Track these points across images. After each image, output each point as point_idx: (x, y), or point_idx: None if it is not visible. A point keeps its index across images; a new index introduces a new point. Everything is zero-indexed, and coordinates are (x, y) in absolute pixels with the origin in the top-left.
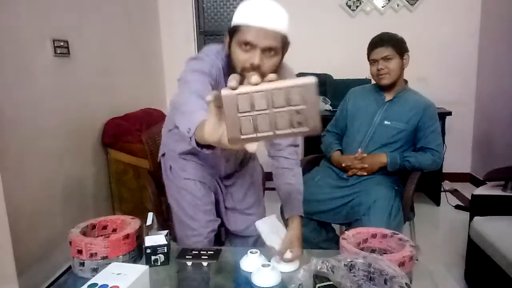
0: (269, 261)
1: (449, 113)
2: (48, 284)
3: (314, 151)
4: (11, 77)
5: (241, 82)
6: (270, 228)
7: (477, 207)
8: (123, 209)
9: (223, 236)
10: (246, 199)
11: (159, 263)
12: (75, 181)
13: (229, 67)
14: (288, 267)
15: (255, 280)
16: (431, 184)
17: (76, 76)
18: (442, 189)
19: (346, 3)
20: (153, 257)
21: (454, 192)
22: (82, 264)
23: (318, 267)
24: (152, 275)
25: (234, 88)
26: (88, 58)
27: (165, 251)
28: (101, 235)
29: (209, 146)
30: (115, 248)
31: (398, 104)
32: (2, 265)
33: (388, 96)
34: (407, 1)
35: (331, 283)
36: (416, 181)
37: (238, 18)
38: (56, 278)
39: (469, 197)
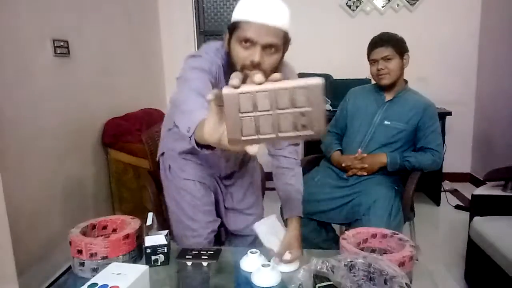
0: (269, 261)
1: (449, 113)
2: (48, 284)
3: (314, 151)
4: (11, 77)
5: (243, 81)
6: (269, 229)
7: (477, 207)
8: (123, 209)
9: (223, 236)
10: (245, 199)
11: (159, 263)
12: (75, 181)
13: (229, 65)
14: (288, 267)
15: (255, 280)
16: (431, 184)
17: (76, 76)
18: (442, 189)
19: (346, 3)
20: (153, 257)
21: (454, 192)
22: (82, 264)
23: (318, 267)
24: (152, 275)
25: (236, 87)
26: (88, 58)
27: (165, 251)
28: (101, 235)
29: (209, 146)
30: (115, 248)
31: (398, 104)
32: (2, 265)
33: (388, 96)
34: (407, 1)
35: (331, 283)
36: (416, 181)
37: (238, 14)
38: (56, 278)
39: (469, 197)
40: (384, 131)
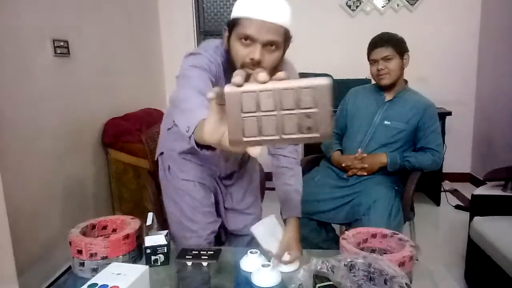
0: (269, 261)
1: (449, 113)
2: (48, 284)
3: (314, 151)
4: (11, 77)
5: (246, 79)
6: (267, 231)
7: (477, 207)
8: (123, 209)
9: (223, 236)
10: (245, 199)
11: (159, 263)
12: (75, 181)
13: (229, 63)
14: (288, 267)
15: (255, 280)
16: (431, 184)
17: (76, 76)
18: (442, 189)
19: (346, 3)
20: (153, 257)
21: (454, 192)
22: (82, 264)
23: (318, 267)
24: (152, 275)
25: (239, 85)
26: (88, 58)
27: (165, 251)
28: (101, 235)
29: (209, 147)
30: (115, 248)
31: (398, 104)
32: (2, 265)
33: (388, 96)
34: (407, 1)
35: (331, 283)
36: (416, 181)
37: (238, 10)
38: (56, 278)
39: (469, 197)
40: (384, 131)
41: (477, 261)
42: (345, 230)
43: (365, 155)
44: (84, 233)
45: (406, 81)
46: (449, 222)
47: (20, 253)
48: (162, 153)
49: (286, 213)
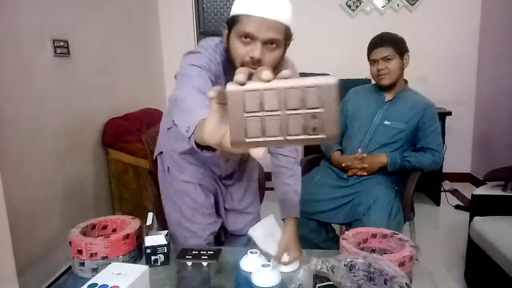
0: (269, 261)
1: (449, 113)
2: (48, 284)
3: (314, 151)
4: (11, 77)
5: (248, 78)
6: (265, 232)
7: (477, 207)
8: (123, 209)
9: (222, 237)
10: (245, 199)
11: (159, 263)
12: (75, 181)
13: (229, 62)
14: (288, 267)
15: (255, 280)
16: (431, 184)
17: (76, 76)
18: (442, 189)
19: (346, 3)
20: (153, 257)
21: (454, 192)
22: (82, 264)
23: (318, 267)
24: (152, 275)
25: (241, 83)
26: (88, 58)
27: (165, 251)
28: (101, 235)
29: (210, 148)
30: (115, 248)
31: (398, 104)
32: (2, 265)
33: (388, 96)
34: (407, 1)
35: (331, 283)
36: (416, 181)
37: (238, 7)
38: (56, 278)
39: (469, 197)
40: (384, 131)
41: (477, 261)
42: (345, 230)
43: (365, 155)
44: (84, 233)
45: (406, 81)
46: (449, 222)
47: (20, 253)
48: (161, 152)
49: (284, 213)
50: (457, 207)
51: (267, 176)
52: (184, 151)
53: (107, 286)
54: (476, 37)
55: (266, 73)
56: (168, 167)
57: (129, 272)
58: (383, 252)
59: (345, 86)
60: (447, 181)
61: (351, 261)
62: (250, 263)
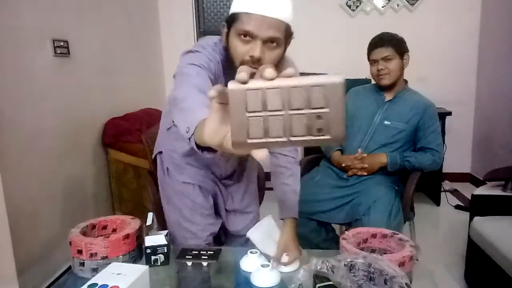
0: (269, 261)
1: (449, 113)
2: (48, 284)
3: (314, 151)
4: (11, 77)
5: (250, 77)
6: (264, 233)
7: (477, 207)
8: (123, 209)
9: (222, 237)
10: (245, 199)
11: (159, 263)
12: (75, 181)
13: (228, 61)
14: (288, 267)
15: (254, 280)
16: (431, 184)
17: (76, 76)
18: (442, 189)
19: (346, 3)
20: (153, 257)
21: (454, 192)
22: (82, 264)
23: (318, 267)
24: (152, 275)
25: (243, 82)
26: (88, 58)
27: (165, 251)
28: (101, 235)
29: (210, 149)
30: (115, 248)
31: (398, 104)
32: (2, 265)
33: (388, 96)
34: (407, 1)
35: (331, 283)
36: (416, 181)
37: (237, 5)
38: (56, 278)
39: (469, 197)
40: (384, 131)
41: (477, 261)
42: (345, 230)
43: (365, 155)
44: (84, 233)
45: (406, 81)
46: (449, 222)
47: (20, 253)
48: (161, 152)
49: (283, 213)
50: (457, 207)
51: (267, 176)
52: (184, 152)
53: (107, 286)
54: (476, 37)
55: (269, 71)
56: (168, 168)
57: (129, 272)
58: (383, 252)
59: (345, 86)
60: (447, 181)
61: (351, 261)
62: (250, 263)
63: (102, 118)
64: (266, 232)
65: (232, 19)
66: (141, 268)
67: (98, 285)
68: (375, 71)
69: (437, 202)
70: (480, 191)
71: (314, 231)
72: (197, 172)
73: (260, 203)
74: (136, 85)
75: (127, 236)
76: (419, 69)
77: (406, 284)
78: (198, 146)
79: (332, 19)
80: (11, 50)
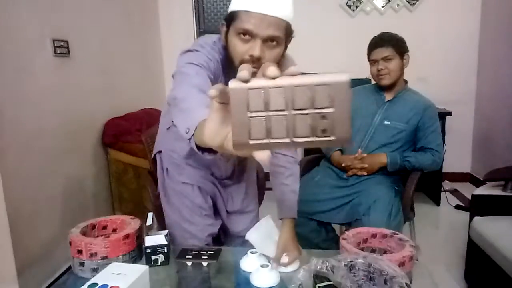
0: (269, 262)
1: (449, 113)
2: (48, 284)
3: (314, 151)
4: (11, 77)
5: (253, 75)
6: (263, 234)
7: (477, 207)
8: (123, 209)
9: (222, 238)
10: (246, 199)
11: (159, 263)
12: (75, 181)
13: (227, 60)
14: (288, 267)
15: (254, 280)
16: (431, 184)
17: (76, 76)
18: (442, 189)
19: (346, 3)
20: (153, 257)
21: (454, 192)
22: (82, 264)
23: (318, 267)
24: (152, 275)
25: (245, 80)
26: (88, 58)
27: (165, 251)
28: (101, 235)
29: (211, 150)
30: (115, 248)
31: (398, 104)
32: (2, 265)
33: (388, 96)
34: (407, 1)
35: (331, 283)
36: (416, 181)
37: (237, 3)
38: (56, 278)
39: (469, 197)
40: (384, 131)
41: (477, 261)
42: (345, 230)
43: (365, 155)
44: (84, 233)
45: (406, 81)
46: (449, 222)
47: (20, 253)
48: (160, 151)
49: (281, 214)
50: (457, 207)
51: (267, 176)
52: (184, 152)
53: (107, 286)
54: (476, 37)
55: (272, 70)
56: (167, 168)
57: (129, 272)
58: (383, 252)
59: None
60: (447, 181)
61: (351, 261)
62: (250, 263)
63: (102, 118)
64: (265, 233)
65: (231, 18)
66: (141, 268)
67: (98, 285)
68: (375, 71)
69: (437, 202)
70: (480, 191)
71: (314, 231)
72: (196, 173)
73: (260, 203)
74: (136, 85)
75: (127, 236)
76: (419, 69)
77: (406, 284)
78: (198, 147)
79: (332, 19)
80: (11, 50)
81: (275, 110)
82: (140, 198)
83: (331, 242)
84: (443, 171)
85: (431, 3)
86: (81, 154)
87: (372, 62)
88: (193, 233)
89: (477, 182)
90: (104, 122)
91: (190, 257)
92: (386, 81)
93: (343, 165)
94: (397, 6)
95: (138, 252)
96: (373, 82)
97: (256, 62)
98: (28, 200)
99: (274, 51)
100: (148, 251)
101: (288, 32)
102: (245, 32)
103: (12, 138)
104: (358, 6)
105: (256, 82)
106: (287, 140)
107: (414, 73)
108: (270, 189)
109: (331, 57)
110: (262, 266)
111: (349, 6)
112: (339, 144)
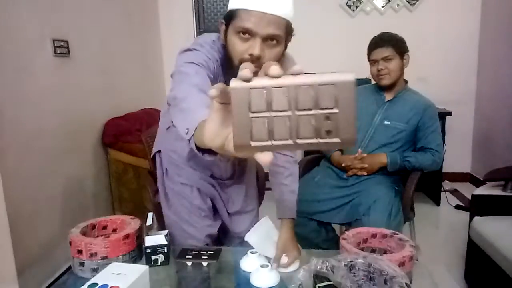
0: (269, 262)
1: (449, 113)
2: (48, 284)
3: (314, 151)
4: (11, 77)
5: (254, 75)
6: (262, 235)
7: (477, 207)
8: (123, 209)
9: (222, 238)
10: (247, 199)
11: (159, 263)
12: (75, 181)
13: (227, 60)
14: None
15: (254, 280)
16: (431, 184)
17: (76, 76)
18: (442, 189)
19: (346, 3)
20: (153, 257)
21: (454, 192)
22: (82, 264)
23: (318, 267)
24: (152, 275)
25: (247, 80)
26: (88, 58)
27: (165, 251)
28: (101, 235)
29: (211, 151)
30: (115, 248)
31: (398, 104)
32: (2, 265)
33: (388, 96)
34: (407, 1)
35: (331, 283)
36: (416, 181)
37: (236, 1)
38: (56, 278)
39: (469, 197)
40: (384, 131)
41: (477, 261)
42: (345, 230)
43: (365, 155)
44: (84, 233)
45: (406, 81)
46: (449, 222)
47: (20, 253)
48: (159, 151)
49: (280, 214)
50: (457, 207)
51: (267, 176)
52: (184, 152)
53: (107, 286)
54: (476, 37)
55: (275, 68)
56: (166, 169)
57: (129, 272)
58: (383, 252)
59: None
60: (447, 181)
61: (351, 261)
62: (250, 263)
63: (102, 118)
64: (264, 234)
65: (231, 16)
66: (141, 268)
67: (98, 285)
68: (375, 71)
69: (437, 202)
70: (480, 191)
71: (314, 231)
72: (195, 174)
73: (260, 203)
74: (136, 85)
75: (127, 236)
76: (419, 69)
77: (406, 284)
78: (198, 148)
79: (332, 19)
80: (11, 50)
81: (278, 110)
82: (140, 198)
83: (331, 242)
84: (443, 171)
85: (431, 3)
86: (81, 154)
87: (372, 62)
88: (191, 234)
89: (477, 182)
90: (104, 122)
91: (190, 257)
92: (386, 81)
93: (343, 165)
94: (397, 6)
95: (138, 252)
96: (373, 82)
97: (256, 61)
98: (28, 200)
99: (274, 50)
100: (148, 251)
101: (288, 31)
102: (245, 31)
103: (12, 138)
104: (358, 6)
105: (258, 82)
106: (290, 141)
107: (414, 73)
108: (270, 189)
109: (331, 57)
110: (262, 266)
111: (349, 6)
112: (344, 146)
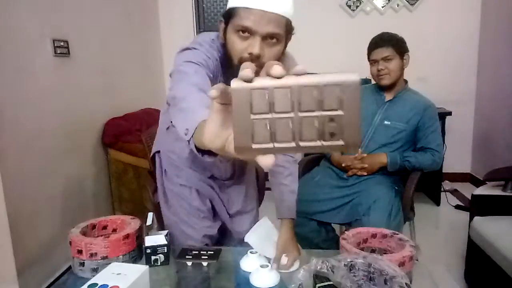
0: (269, 262)
1: (449, 113)
2: (48, 284)
3: None
4: (11, 77)
5: (256, 74)
6: (262, 235)
7: (477, 207)
8: (123, 209)
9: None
10: (247, 199)
11: (159, 263)
12: (75, 181)
13: (226, 58)
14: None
15: (253, 280)
16: (431, 184)
17: (76, 76)
18: (442, 189)
19: (346, 3)
20: (153, 257)
21: (454, 192)
22: (82, 264)
23: (318, 267)
24: (152, 275)
25: (248, 80)
26: (88, 58)
27: (165, 251)
28: (101, 235)
29: (211, 152)
30: (115, 248)
31: (398, 104)
32: (2, 265)
33: (388, 96)
34: (407, 1)
35: (331, 283)
36: (416, 181)
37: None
38: (56, 278)
39: (469, 197)
40: (384, 131)
41: (477, 261)
42: (345, 230)
43: (365, 155)
44: (84, 233)
45: (406, 81)
46: (449, 222)
47: (20, 253)
48: (159, 151)
49: (280, 214)
50: (457, 207)
51: (267, 176)
52: (184, 153)
53: (107, 286)
54: (476, 37)
55: (277, 68)
56: (165, 170)
57: (129, 272)
58: (383, 252)
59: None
60: (447, 181)
61: (351, 261)
62: (250, 263)
63: (102, 118)
64: (264, 234)
65: (230, 15)
66: (141, 268)
67: (98, 285)
68: (375, 71)
69: (437, 202)
70: (480, 191)
71: (314, 231)
72: (194, 175)
73: (260, 203)
74: (136, 85)
75: (127, 236)
76: (419, 69)
77: (406, 284)
78: (197, 149)
79: (332, 19)
80: (11, 50)
81: (280, 112)
82: (140, 198)
83: (331, 242)
84: (443, 171)
85: (431, 3)
86: (81, 154)
87: (372, 62)
88: (190, 235)
89: (477, 182)
90: (104, 122)
91: (190, 257)
92: (386, 81)
93: (343, 165)
94: (397, 6)
95: (138, 252)
96: (373, 82)
97: (256, 60)
98: (28, 200)
99: (274, 48)
100: (148, 251)
101: (288, 29)
102: (244, 29)
103: (12, 138)
104: (358, 6)
105: (259, 82)
106: (292, 144)
107: (414, 73)
108: (270, 189)
109: (331, 57)
110: (262, 266)
111: (349, 6)
112: (348, 149)
